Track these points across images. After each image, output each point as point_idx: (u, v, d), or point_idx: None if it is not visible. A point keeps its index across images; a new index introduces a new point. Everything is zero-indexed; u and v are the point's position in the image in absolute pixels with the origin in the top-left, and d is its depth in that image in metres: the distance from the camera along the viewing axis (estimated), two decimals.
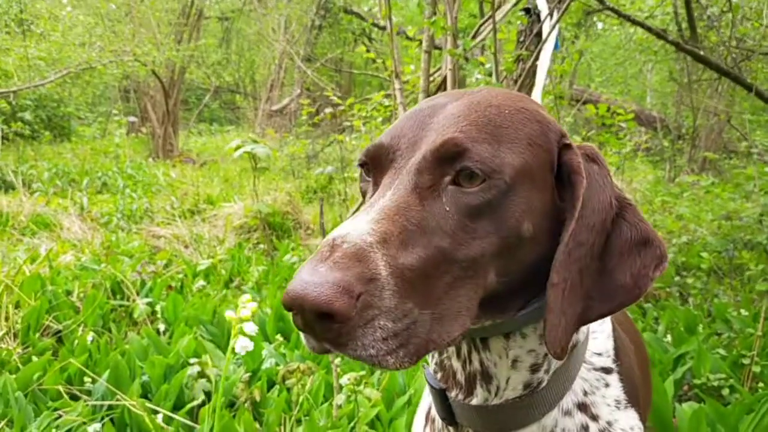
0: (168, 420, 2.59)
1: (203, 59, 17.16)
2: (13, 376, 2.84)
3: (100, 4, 12.87)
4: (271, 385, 2.92)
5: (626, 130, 7.81)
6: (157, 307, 3.96)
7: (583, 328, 1.12)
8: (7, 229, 6.19)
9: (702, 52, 5.21)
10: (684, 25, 6.09)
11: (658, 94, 13.23)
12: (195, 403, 2.71)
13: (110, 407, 2.70)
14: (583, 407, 1.11)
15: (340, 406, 2.49)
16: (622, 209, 1.00)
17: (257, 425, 2.54)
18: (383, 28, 6.79)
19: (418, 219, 0.86)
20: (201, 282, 4.59)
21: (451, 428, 1.16)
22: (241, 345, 0.70)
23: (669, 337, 3.53)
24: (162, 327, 3.73)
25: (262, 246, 5.88)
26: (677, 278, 4.88)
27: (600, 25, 12.86)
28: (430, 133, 0.95)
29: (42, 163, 10.49)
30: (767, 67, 7.72)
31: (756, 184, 5.25)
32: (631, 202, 1.02)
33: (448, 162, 0.91)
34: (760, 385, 2.98)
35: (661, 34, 5.19)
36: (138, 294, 4.20)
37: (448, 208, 0.89)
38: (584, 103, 8.69)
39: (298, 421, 2.59)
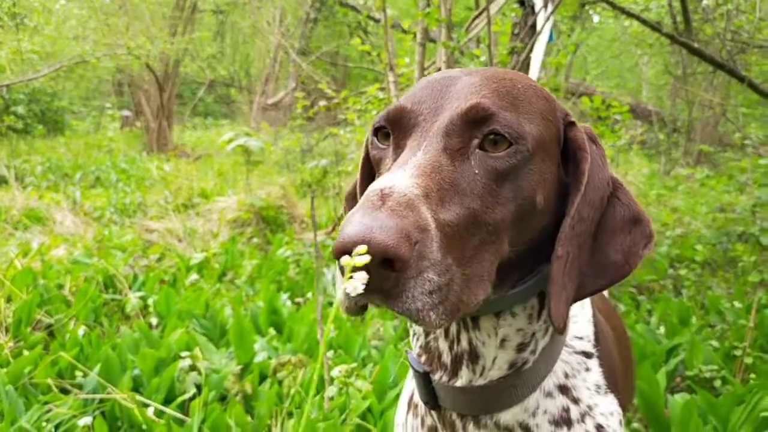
0: (159, 413, 2.57)
1: (197, 52, 17.07)
2: (4, 369, 2.83)
3: None
4: (263, 378, 2.91)
5: (621, 123, 7.80)
6: (150, 301, 3.94)
7: None
8: None
9: (696, 45, 5.20)
10: (679, 18, 6.08)
11: (654, 87, 13.22)
12: (186, 396, 2.70)
13: (101, 401, 2.69)
14: (564, 390, 1.12)
15: (331, 398, 2.49)
16: (615, 189, 1.04)
17: (249, 418, 2.53)
18: (378, 21, 6.76)
19: (451, 179, 0.87)
20: (194, 276, 4.58)
21: (434, 413, 1.15)
22: (353, 287, 0.68)
23: (662, 329, 3.53)
24: (154, 321, 3.72)
25: (255, 240, 5.86)
26: (671, 271, 4.88)
27: (596, 18, 12.85)
28: (453, 99, 0.95)
29: (35, 157, 10.45)
30: (761, 60, 7.71)
31: (749, 177, 5.25)
32: (623, 183, 1.05)
33: (476, 125, 0.92)
34: (752, 376, 2.98)
35: (655, 27, 5.18)
36: (130, 288, 4.18)
37: (477, 171, 0.90)
38: (580, 96, 8.68)
39: (290, 414, 2.59)
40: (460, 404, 1.09)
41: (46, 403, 2.64)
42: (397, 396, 2.63)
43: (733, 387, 2.85)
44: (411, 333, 1.16)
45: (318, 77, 11.86)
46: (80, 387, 2.82)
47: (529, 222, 0.95)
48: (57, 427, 2.51)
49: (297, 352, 3.04)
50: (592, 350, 1.17)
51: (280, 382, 2.72)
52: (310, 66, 13.99)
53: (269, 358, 3.04)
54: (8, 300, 3.71)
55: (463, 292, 0.84)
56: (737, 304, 3.93)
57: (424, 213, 0.79)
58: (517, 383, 1.06)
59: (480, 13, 5.13)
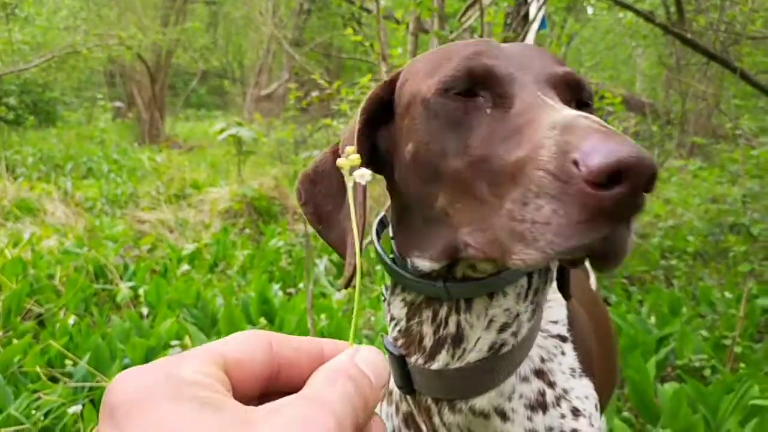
0: None
1: (190, 43, 16.98)
2: None
3: None
4: None
5: (614, 115, 7.80)
6: (140, 291, 3.93)
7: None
8: None
9: (689, 35, 5.19)
10: (673, 9, 6.07)
11: (648, 78, 13.22)
12: None
13: (90, 389, 2.68)
14: (540, 374, 1.10)
15: None
16: None
17: None
18: (371, 12, 6.72)
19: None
20: (185, 266, 4.56)
21: (408, 398, 1.13)
22: (360, 173, 0.62)
23: (653, 319, 3.54)
24: (145, 311, 3.71)
25: (248, 231, 5.85)
26: (662, 262, 4.90)
27: (590, 10, 12.84)
28: (536, 62, 0.92)
29: (26, 148, 10.39)
30: (755, 51, 7.71)
31: (739, 168, 5.27)
32: None
33: (571, 90, 0.92)
34: (742, 365, 3.00)
35: (648, 17, 5.16)
36: (121, 278, 4.17)
37: None
38: None
39: None
40: (435, 388, 1.07)
41: (35, 391, 2.63)
42: None
43: (722, 376, 2.86)
44: (388, 318, 1.13)
45: (311, 68, 11.81)
46: (70, 376, 2.81)
47: None
48: (46, 415, 2.51)
49: None
50: (567, 334, 1.17)
51: None
52: (304, 57, 13.93)
53: None
54: None
55: None
56: (728, 295, 3.95)
57: None
58: (495, 367, 1.04)
59: (473, 3, 5.11)
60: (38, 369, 2.76)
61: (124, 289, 3.90)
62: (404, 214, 1.04)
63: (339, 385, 0.48)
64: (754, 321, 3.53)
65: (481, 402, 1.06)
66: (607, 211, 0.68)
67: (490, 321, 1.03)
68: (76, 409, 2.49)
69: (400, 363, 1.09)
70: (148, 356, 2.88)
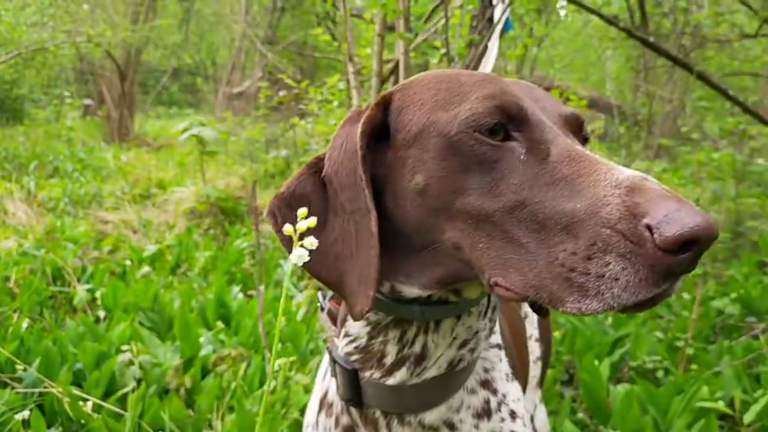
0: (98, 407, 2.52)
1: (161, 40, 16.78)
2: None
3: None
4: (207, 372, 2.87)
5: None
6: (98, 294, 3.87)
7: None
8: None
9: (652, 39, 5.24)
10: (638, 14, 6.13)
11: (617, 81, 13.37)
12: (126, 390, 2.65)
13: (40, 395, 2.63)
14: (485, 384, 1.13)
15: (272, 392, 2.46)
16: None
17: (190, 412, 2.50)
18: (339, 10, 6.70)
19: None
20: (147, 268, 4.50)
21: (354, 411, 1.13)
22: (298, 255, 0.60)
23: (609, 320, 3.57)
24: (102, 314, 3.65)
25: (213, 231, 5.79)
26: None
27: (563, 13, 12.93)
28: (544, 101, 0.97)
29: None
30: (719, 54, 7.83)
31: (699, 170, 5.34)
32: None
33: (578, 130, 0.97)
34: (694, 367, 3.04)
35: (611, 21, 5.20)
36: (79, 280, 4.10)
37: None
38: (547, 89, 8.73)
39: (231, 408, 2.56)
40: (387, 402, 1.08)
41: None
42: None
43: (674, 377, 2.90)
44: (342, 334, 1.11)
45: (283, 67, 11.74)
46: (20, 381, 2.75)
47: None
48: None
49: (242, 345, 3.00)
50: (500, 341, 1.20)
51: (221, 376, 2.69)
52: (277, 56, 13.85)
53: (214, 351, 3.00)
54: None
55: None
56: (686, 296, 4.00)
57: None
58: (448, 383, 1.07)
59: (438, 5, 5.11)
60: None
61: (80, 291, 3.83)
62: (391, 238, 0.97)
63: None
64: (709, 323, 3.59)
65: (431, 417, 1.08)
66: (673, 272, 0.73)
67: (454, 339, 1.05)
68: (23, 415, 2.43)
69: (351, 377, 1.09)
70: (99, 361, 2.83)
